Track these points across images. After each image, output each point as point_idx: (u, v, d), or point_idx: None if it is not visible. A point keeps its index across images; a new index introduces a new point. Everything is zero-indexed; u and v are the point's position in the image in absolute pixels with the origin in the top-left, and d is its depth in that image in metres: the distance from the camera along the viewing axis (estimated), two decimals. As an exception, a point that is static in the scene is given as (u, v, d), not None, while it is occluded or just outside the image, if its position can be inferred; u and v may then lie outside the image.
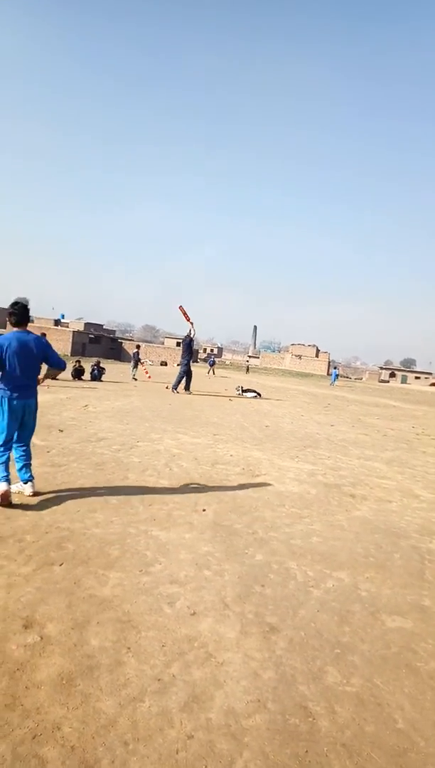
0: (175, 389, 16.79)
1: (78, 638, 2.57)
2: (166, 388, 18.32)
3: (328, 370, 57.02)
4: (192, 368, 17.37)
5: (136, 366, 22.30)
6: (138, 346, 24.84)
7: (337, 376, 44.25)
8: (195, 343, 17.35)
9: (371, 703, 2.29)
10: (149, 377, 21.80)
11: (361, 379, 78.78)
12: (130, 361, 24.99)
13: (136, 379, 21.25)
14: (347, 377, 75.78)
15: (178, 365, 44.06)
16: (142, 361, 23.33)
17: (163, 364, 52.49)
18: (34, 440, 6.92)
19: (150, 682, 2.29)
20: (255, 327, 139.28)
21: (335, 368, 49.90)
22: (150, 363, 51.95)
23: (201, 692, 2.25)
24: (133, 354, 22.99)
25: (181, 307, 16.95)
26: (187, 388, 16.94)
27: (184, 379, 16.94)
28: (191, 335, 17.24)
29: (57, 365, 4.74)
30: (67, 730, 1.97)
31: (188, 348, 17.06)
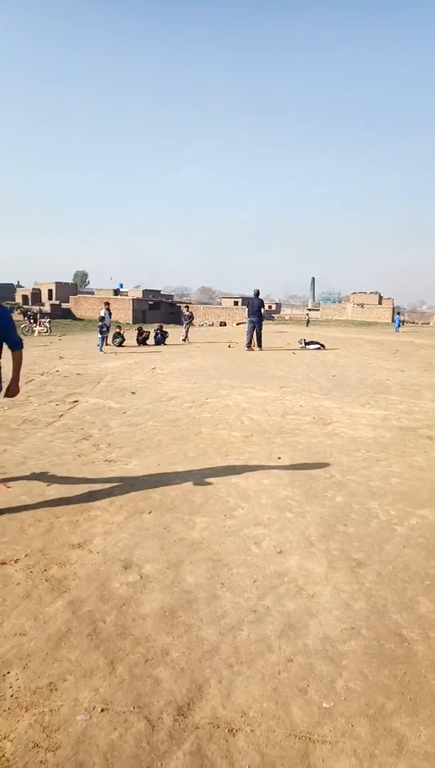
0: (249, 347, 16.78)
1: (174, 576, 2.73)
2: (229, 347, 18.38)
3: (393, 317, 54.86)
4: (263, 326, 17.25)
5: (187, 328, 22.06)
6: (187, 308, 24.60)
7: (401, 322, 42.56)
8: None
9: (467, 629, 2.30)
10: (184, 340, 21.28)
11: (429, 323, 75.29)
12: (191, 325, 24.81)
13: (187, 341, 21.13)
14: (413, 322, 72.67)
15: (238, 324, 43.73)
16: (192, 323, 22.77)
17: (223, 324, 52.47)
18: (111, 403, 7.26)
19: (246, 613, 2.41)
20: (313, 279, 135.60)
21: (398, 314, 47.91)
22: (208, 324, 52.07)
23: (296, 621, 2.36)
24: (185, 316, 22.56)
25: None
26: (259, 345, 16.82)
27: (255, 336, 16.78)
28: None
29: (14, 346, 3.72)
30: (175, 654, 2.14)
31: (258, 308, 16.68)
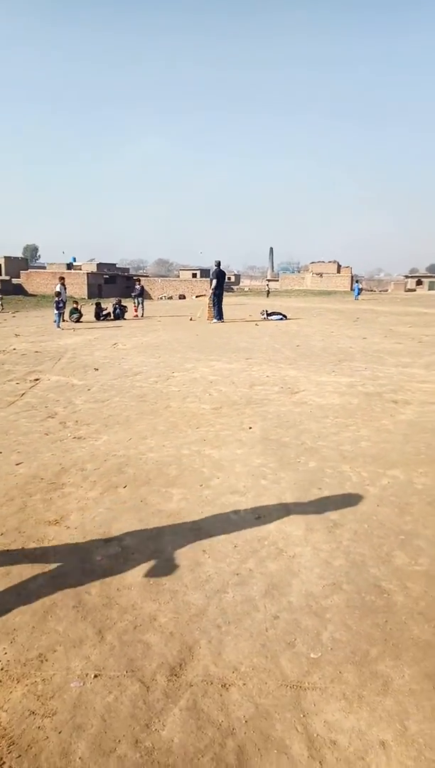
0: (219, 319, 16.72)
1: (155, 546, 2.75)
2: (191, 320, 18.27)
3: (352, 286, 55.62)
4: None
5: (141, 302, 21.43)
6: (137, 281, 23.92)
7: (360, 290, 43.19)
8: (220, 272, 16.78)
9: (440, 577, 2.42)
10: (135, 315, 20.85)
11: (387, 290, 76.80)
12: (148, 298, 24.28)
13: (142, 315, 20.67)
14: (371, 290, 73.96)
15: (197, 297, 43.38)
16: (143, 296, 22.00)
17: (182, 297, 52.00)
18: (73, 380, 7.12)
19: (230, 577, 2.46)
20: (271, 249, 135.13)
21: (357, 282, 48.59)
22: (167, 297, 51.51)
23: (278, 581, 2.42)
24: (136, 290, 21.93)
25: None
26: (220, 316, 16.80)
27: (217, 308, 16.77)
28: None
29: None
30: (163, 620, 2.16)
31: (219, 278, 16.63)
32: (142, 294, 21.93)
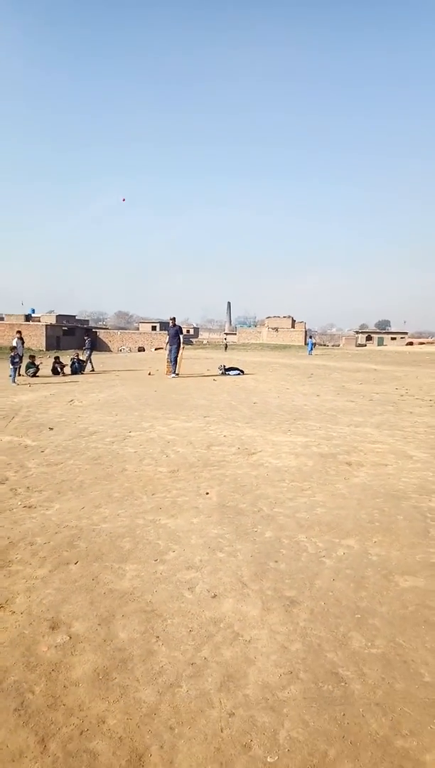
0: (175, 373, 17.01)
1: (106, 633, 2.61)
2: (149, 374, 18.28)
3: (305, 340, 57.33)
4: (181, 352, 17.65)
5: (89, 356, 20.83)
6: (87, 336, 23.69)
7: (313, 345, 44.50)
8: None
9: (397, 661, 2.39)
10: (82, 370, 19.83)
11: (339, 345, 79.50)
12: (107, 351, 24.19)
13: (93, 370, 20.20)
14: (324, 345, 76.38)
15: (156, 349, 43.74)
16: (92, 350, 21.58)
17: (141, 349, 52.14)
18: (27, 441, 6.92)
19: (184, 667, 2.35)
20: (229, 304, 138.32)
21: (311, 337, 50.15)
22: (127, 350, 51.57)
23: (234, 671, 2.33)
24: (86, 343, 21.56)
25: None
26: (174, 371, 17.12)
27: (173, 362, 17.14)
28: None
29: None
30: (112, 722, 2.03)
31: (176, 334, 17.19)
32: (92, 348, 21.64)
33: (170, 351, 17.24)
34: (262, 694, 2.18)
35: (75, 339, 50.62)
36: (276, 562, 3.40)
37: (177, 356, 17.25)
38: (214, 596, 2.96)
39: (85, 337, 22.57)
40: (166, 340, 17.69)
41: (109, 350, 53.25)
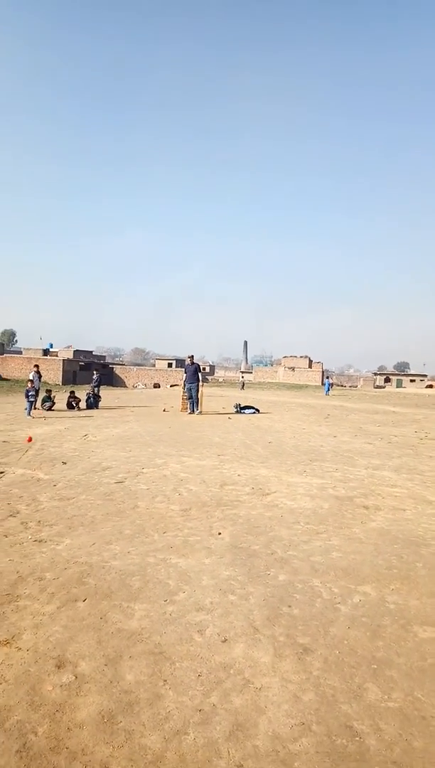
0: (191, 412, 17.11)
1: (113, 674, 2.54)
2: (164, 411, 18.34)
3: (322, 380, 57.28)
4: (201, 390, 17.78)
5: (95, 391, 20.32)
6: (96, 370, 23.45)
7: (330, 385, 44.34)
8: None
9: (415, 717, 2.28)
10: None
11: (356, 386, 79.14)
12: (123, 386, 24.09)
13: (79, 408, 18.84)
14: (342, 385, 76.08)
15: (172, 386, 43.98)
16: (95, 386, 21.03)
17: (156, 386, 52.48)
18: (40, 475, 6.93)
19: (192, 714, 2.27)
20: (245, 342, 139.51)
21: (328, 378, 49.97)
22: (142, 386, 51.92)
23: (244, 720, 2.24)
24: (93, 380, 21.45)
25: None
26: (192, 410, 17.16)
27: (191, 400, 17.20)
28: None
29: None
30: (116, 769, 1.95)
31: (195, 372, 17.32)
32: (99, 383, 21.45)
33: (189, 389, 17.29)
34: (272, 745, 2.09)
35: (91, 374, 51.28)
36: (289, 607, 3.30)
37: (197, 394, 17.30)
38: (225, 640, 2.87)
39: (94, 371, 22.59)
40: (184, 378, 17.77)
41: (125, 386, 53.72)
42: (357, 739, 2.14)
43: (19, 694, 2.38)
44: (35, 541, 4.38)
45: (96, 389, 20.53)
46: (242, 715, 2.27)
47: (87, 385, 23.33)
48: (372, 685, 2.50)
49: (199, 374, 17.52)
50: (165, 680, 2.51)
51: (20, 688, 2.42)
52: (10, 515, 5.09)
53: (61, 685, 2.45)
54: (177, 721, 2.23)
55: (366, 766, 1.99)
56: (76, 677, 2.51)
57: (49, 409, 17.22)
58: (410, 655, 2.77)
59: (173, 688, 2.45)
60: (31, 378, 16.90)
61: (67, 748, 2.06)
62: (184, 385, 17.51)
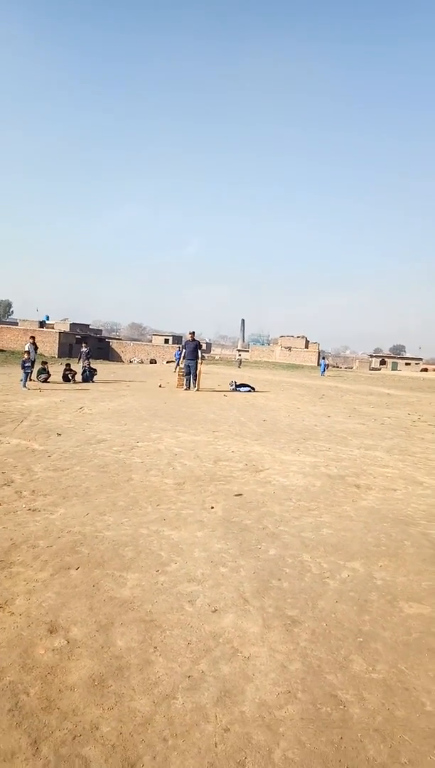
0: (187, 388, 17.20)
1: (104, 640, 2.59)
2: (160, 386, 18.34)
3: (318, 361, 57.32)
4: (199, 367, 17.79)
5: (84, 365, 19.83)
6: (85, 343, 22.75)
7: (326, 366, 44.39)
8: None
9: (398, 688, 2.34)
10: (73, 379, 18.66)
11: (352, 368, 79.24)
12: (119, 361, 23.71)
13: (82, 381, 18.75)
14: (337, 367, 76.17)
15: (168, 362, 43.96)
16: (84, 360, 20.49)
17: (153, 362, 52.38)
18: (34, 445, 6.95)
19: (181, 680, 2.32)
20: (243, 321, 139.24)
21: (324, 358, 50.01)
22: (138, 360, 51.82)
23: (232, 687, 2.29)
24: (82, 354, 21.04)
25: None
26: (188, 386, 17.18)
27: (189, 376, 17.22)
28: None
29: None
30: (106, 729, 2.00)
31: (195, 349, 17.26)
32: (89, 357, 20.97)
33: (187, 365, 17.27)
34: (258, 711, 2.15)
35: (89, 347, 51.03)
36: (279, 580, 3.36)
37: (196, 371, 17.30)
38: (215, 610, 2.93)
39: (82, 345, 22.06)
40: (182, 354, 17.74)
41: (121, 360, 53.56)
42: (341, 707, 2.20)
43: (11, 656, 2.42)
44: (29, 510, 4.41)
45: (85, 363, 20.20)
46: (230, 682, 2.33)
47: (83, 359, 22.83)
48: (357, 657, 2.57)
49: (199, 351, 17.49)
50: (155, 647, 2.56)
51: (13, 651, 2.46)
52: (5, 484, 5.11)
53: (53, 649, 2.49)
54: (166, 686, 2.28)
55: (349, 733, 2.05)
56: (68, 642, 2.56)
57: (45, 381, 17.19)
58: (396, 630, 2.83)
59: (163, 654, 2.50)
60: (27, 349, 16.83)
61: (58, 708, 2.11)
62: (177, 362, 17.51)
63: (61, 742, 1.93)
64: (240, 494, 4.07)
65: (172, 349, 53.19)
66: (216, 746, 1.95)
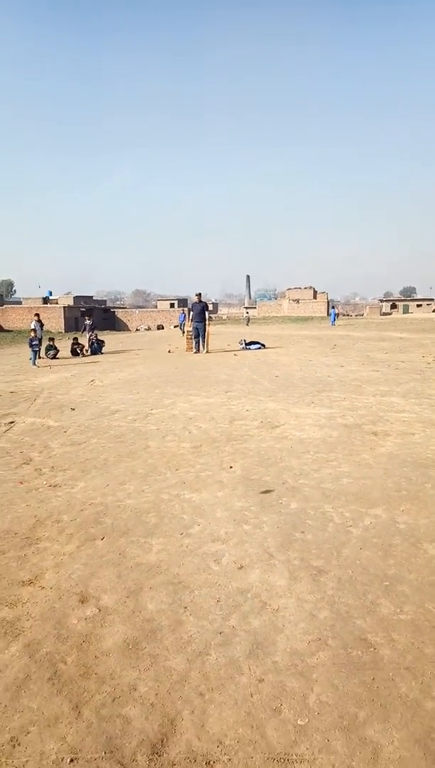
0: (196, 351, 17.16)
1: (134, 605, 2.65)
2: (169, 351, 18.29)
3: (328, 311, 56.55)
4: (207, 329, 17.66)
5: (89, 338, 19.63)
6: (87, 316, 22.17)
7: (336, 315, 43.82)
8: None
9: (426, 627, 2.37)
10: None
11: (362, 314, 78.26)
12: (126, 330, 23.40)
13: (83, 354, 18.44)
14: (347, 315, 75.31)
15: (175, 327, 43.73)
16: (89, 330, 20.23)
17: (160, 327, 52.17)
18: (49, 422, 7.00)
19: (212, 636, 2.37)
20: (248, 277, 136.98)
21: (333, 308, 49.27)
22: (145, 328, 51.64)
23: (263, 639, 2.34)
24: (86, 326, 20.65)
25: None
26: (204, 348, 17.13)
27: (198, 339, 17.14)
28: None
29: None
30: (144, 689, 2.06)
31: (202, 311, 17.09)
32: (94, 329, 20.66)
33: (196, 328, 17.15)
34: (290, 660, 2.19)
35: (93, 319, 50.86)
36: (302, 532, 3.38)
37: (205, 333, 17.19)
38: (241, 567, 2.97)
39: (86, 318, 21.69)
40: (191, 317, 17.60)
41: (128, 329, 53.43)
42: (371, 650, 2.24)
43: (46, 628, 2.48)
44: (50, 486, 4.47)
45: (94, 334, 20.06)
46: (261, 634, 2.37)
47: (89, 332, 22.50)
48: (384, 600, 2.60)
49: (207, 313, 17.33)
50: (185, 607, 2.61)
51: (47, 623, 2.52)
52: (24, 463, 5.18)
53: (85, 618, 2.55)
54: (199, 643, 2.33)
55: (380, 673, 2.09)
56: (100, 610, 2.62)
57: (54, 357, 17.22)
58: (421, 571, 2.85)
59: (193, 614, 2.55)
60: (33, 327, 16.77)
61: (96, 674, 2.17)
62: (181, 325, 17.35)
63: (102, 705, 1.99)
64: (269, 491, 4.06)
65: (179, 313, 52.86)
66: (251, 696, 2.00)
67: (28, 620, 2.55)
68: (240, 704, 1.97)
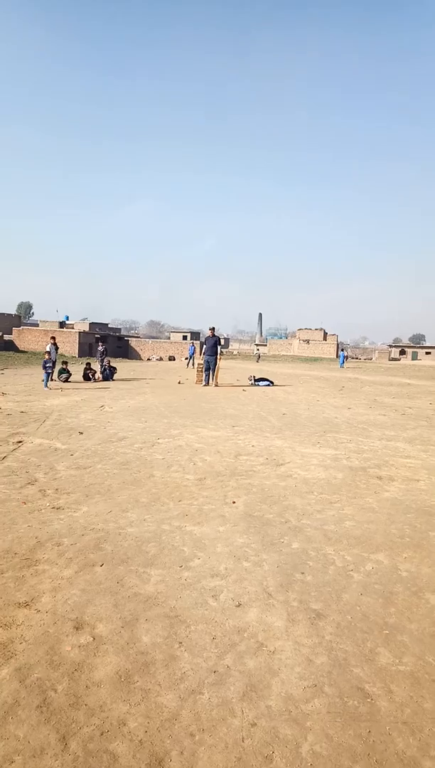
0: (206, 384, 17.31)
1: (129, 636, 2.61)
2: (179, 383, 18.39)
3: (337, 353, 56.80)
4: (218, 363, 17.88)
5: (102, 364, 19.96)
6: (101, 342, 22.91)
7: (345, 358, 43.99)
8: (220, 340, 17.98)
9: (426, 680, 2.31)
10: (97, 379, 18.95)
11: (371, 358, 78.37)
12: (138, 359, 23.93)
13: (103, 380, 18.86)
14: (357, 358, 75.45)
15: (186, 359, 44.18)
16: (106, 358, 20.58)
17: (171, 359, 52.54)
18: (57, 444, 7.03)
19: (206, 675, 2.32)
20: (260, 315, 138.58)
21: (342, 350, 49.54)
22: (156, 358, 52.03)
23: (257, 681, 2.29)
24: (99, 352, 21.22)
25: None
26: (207, 381, 17.28)
27: (208, 372, 17.34)
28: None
29: None
30: (133, 725, 2.02)
31: (214, 345, 17.34)
32: (106, 356, 20.91)
33: (207, 361, 17.36)
34: (285, 705, 2.14)
35: (107, 346, 51.36)
36: (302, 573, 3.34)
37: (215, 367, 17.36)
38: (239, 605, 2.92)
39: (99, 346, 22.05)
40: (203, 350, 17.89)
41: (140, 358, 53.85)
42: (368, 700, 2.18)
43: (38, 653, 2.45)
44: (53, 508, 4.46)
45: (103, 361, 20.19)
46: (256, 676, 2.32)
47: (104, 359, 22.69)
48: (384, 649, 2.54)
49: (219, 347, 17.55)
50: (180, 642, 2.56)
51: (40, 648, 2.49)
52: (29, 483, 5.18)
53: (79, 646, 2.52)
54: (192, 681, 2.28)
55: (377, 726, 2.03)
56: (94, 638, 2.58)
57: (66, 380, 17.38)
58: (422, 621, 2.79)
59: (188, 650, 2.51)
60: (48, 350, 17.01)
61: (85, 704, 2.13)
62: (190, 357, 17.62)
63: (89, 738, 1.95)
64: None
65: (189, 345, 53.28)
66: (243, 741, 1.95)
67: (21, 643, 2.51)
68: (231, 748, 1.92)
